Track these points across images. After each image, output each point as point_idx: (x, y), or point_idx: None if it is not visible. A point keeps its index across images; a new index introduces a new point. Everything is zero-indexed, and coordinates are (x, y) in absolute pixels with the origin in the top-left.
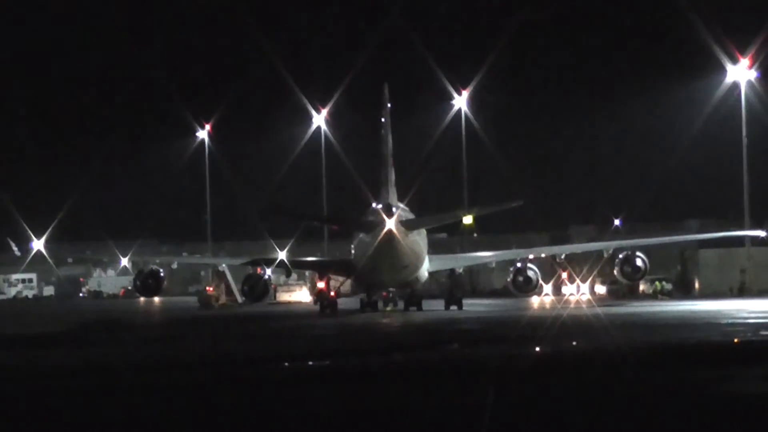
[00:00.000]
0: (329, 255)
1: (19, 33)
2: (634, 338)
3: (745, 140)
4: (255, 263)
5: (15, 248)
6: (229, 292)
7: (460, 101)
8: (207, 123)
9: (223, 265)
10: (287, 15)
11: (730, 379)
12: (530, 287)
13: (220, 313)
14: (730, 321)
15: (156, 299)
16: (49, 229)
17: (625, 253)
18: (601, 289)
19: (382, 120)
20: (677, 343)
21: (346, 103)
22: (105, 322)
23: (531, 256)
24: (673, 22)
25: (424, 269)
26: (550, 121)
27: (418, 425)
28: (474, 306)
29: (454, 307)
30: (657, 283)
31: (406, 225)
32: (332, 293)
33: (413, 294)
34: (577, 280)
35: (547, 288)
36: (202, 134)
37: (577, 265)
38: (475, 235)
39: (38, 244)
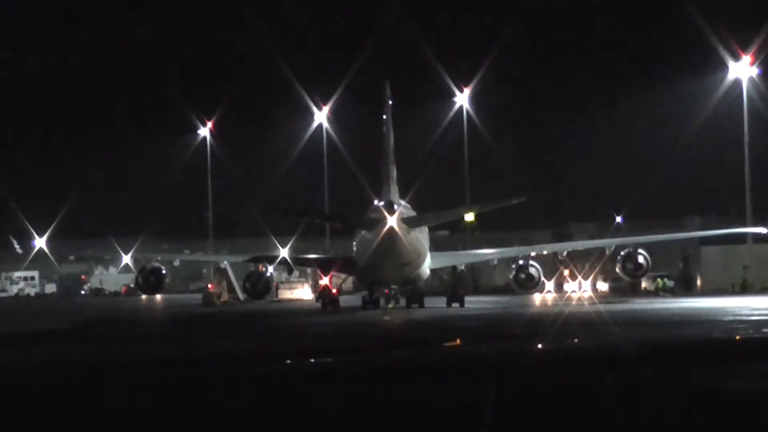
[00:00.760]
0: (331, 252)
1: (19, 28)
2: (636, 335)
3: (747, 137)
4: (257, 260)
5: (17, 246)
6: (231, 289)
7: (462, 98)
8: (209, 120)
9: (225, 263)
10: (289, 12)
11: (732, 376)
12: (532, 284)
13: (222, 310)
14: (732, 318)
15: (158, 297)
16: (51, 227)
17: (626, 250)
18: (603, 286)
19: (384, 117)
20: (679, 341)
21: (348, 100)
22: (106, 320)
23: (533, 254)
24: (675, 19)
25: (426, 266)
26: (552, 118)
27: (420, 423)
28: (476, 303)
29: (456, 305)
30: (659, 280)
31: (408, 222)
32: (334, 290)
33: (415, 291)
34: (579, 277)
35: (549, 285)
36: (204, 131)
37: (579, 262)
38: (477, 232)
39: (40, 242)
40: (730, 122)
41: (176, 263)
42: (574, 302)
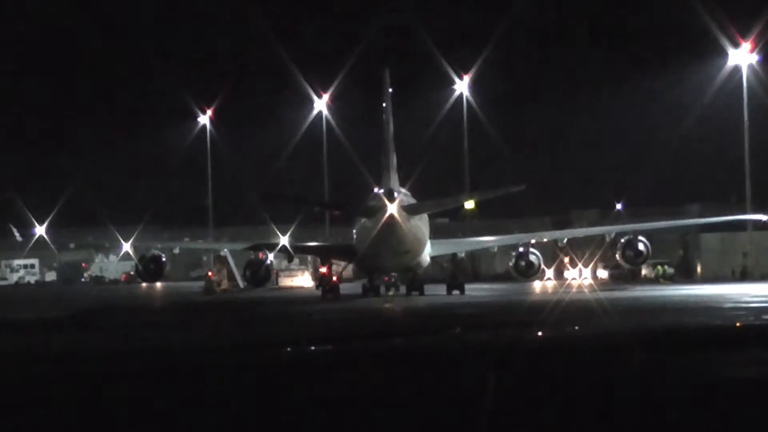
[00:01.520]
0: (331, 240)
1: (17, 18)
2: (636, 323)
3: (746, 124)
4: (257, 248)
5: (17, 234)
6: (231, 277)
7: (462, 86)
8: (208, 108)
9: (225, 250)
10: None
11: (732, 363)
12: (532, 272)
13: (222, 298)
14: (732, 305)
15: (158, 284)
16: (51, 215)
17: (626, 237)
18: (603, 274)
19: (384, 105)
20: (679, 328)
21: (348, 88)
22: (106, 308)
23: (533, 241)
24: (675, 6)
25: (426, 254)
26: (552, 105)
27: (419, 410)
28: (476, 291)
29: (456, 292)
30: (659, 267)
31: (408, 210)
32: (334, 278)
33: (415, 279)
34: (579, 265)
35: (549, 272)
36: (204, 119)
37: (579, 249)
38: (477, 219)
39: (40, 230)
40: (730, 109)
41: (176, 251)
42: (574, 290)
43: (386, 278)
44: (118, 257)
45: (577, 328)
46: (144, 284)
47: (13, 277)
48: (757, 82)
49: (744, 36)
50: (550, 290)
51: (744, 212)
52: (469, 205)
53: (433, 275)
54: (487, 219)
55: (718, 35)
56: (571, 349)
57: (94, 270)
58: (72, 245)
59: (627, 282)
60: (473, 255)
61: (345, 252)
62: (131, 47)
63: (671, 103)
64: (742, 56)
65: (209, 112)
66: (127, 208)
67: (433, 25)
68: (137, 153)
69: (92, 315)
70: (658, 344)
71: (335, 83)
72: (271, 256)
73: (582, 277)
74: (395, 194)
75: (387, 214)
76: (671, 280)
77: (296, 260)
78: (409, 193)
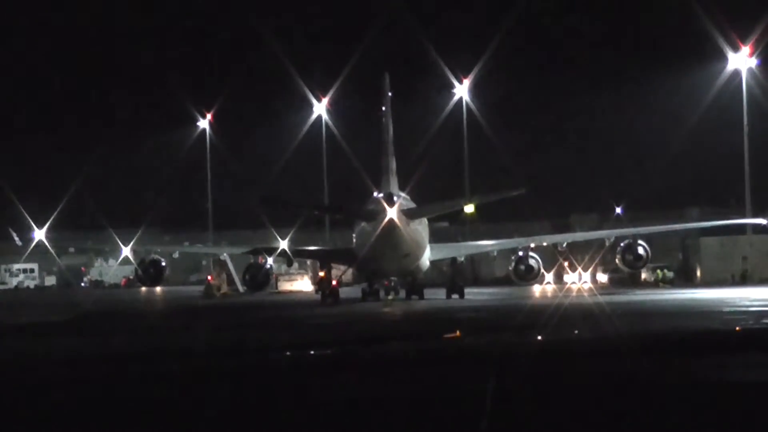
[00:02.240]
0: (331, 244)
1: (18, 20)
2: (636, 327)
3: (746, 128)
4: (256, 252)
5: (16, 238)
6: (230, 281)
7: (462, 89)
8: (208, 112)
9: (225, 254)
10: (288, 2)
11: (732, 367)
12: (532, 276)
13: (222, 302)
14: (731, 309)
15: (158, 288)
16: (51, 219)
17: (626, 241)
18: (602, 278)
19: (383, 109)
20: (678, 332)
21: (347, 92)
22: (105, 312)
23: (532, 245)
24: (674, 9)
25: (426, 258)
26: (551, 109)
27: (419, 414)
28: (476, 295)
29: (455, 296)
30: (658, 271)
31: (408, 214)
32: (334, 282)
33: (415, 283)
34: (579, 269)
35: (549, 276)
36: (203, 123)
37: (579, 253)
38: (477, 223)
39: (40, 234)
40: (729, 113)
41: (176, 255)
42: (573, 294)
43: (386, 282)
44: (118, 261)
45: (576, 332)
46: (143, 288)
47: (13, 282)
48: (757, 86)
49: (743, 40)
50: (549, 294)
51: (743, 216)
52: (469, 209)
53: (432, 279)
54: (486, 223)
55: (718, 39)
56: (570, 353)
57: (93, 274)
58: (71, 249)
59: (627, 286)
60: (473, 259)
61: (344, 256)
62: (131, 49)
63: (670, 107)
64: (741, 60)
65: (209, 116)
66: (126, 212)
67: (433, 28)
68: (137, 157)
69: (91, 319)
70: (658, 348)
71: (335, 87)
72: (270, 261)
73: (582, 281)
74: (395, 198)
75: (386, 218)
76: (671, 284)
77: (296, 264)
78: (408, 197)
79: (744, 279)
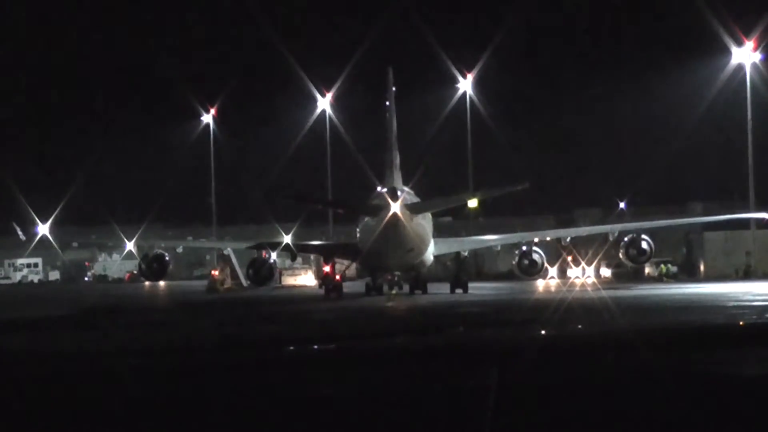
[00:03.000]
0: (335, 239)
1: (21, 16)
2: (640, 321)
3: (750, 123)
4: (260, 247)
5: (20, 232)
6: (234, 276)
7: (466, 84)
8: (212, 107)
9: (228, 249)
10: None
11: (735, 361)
12: (535, 270)
13: (226, 297)
14: (735, 303)
15: (161, 283)
16: (55, 214)
17: (630, 236)
18: (606, 272)
19: (387, 104)
20: (682, 326)
21: (351, 86)
22: (110, 307)
23: (536, 240)
24: (678, 4)
25: (430, 253)
26: (556, 104)
27: (423, 409)
28: (479, 289)
29: (459, 291)
30: (662, 265)
31: (411, 208)
32: (337, 277)
33: (418, 277)
34: (582, 263)
35: (553, 271)
36: (207, 118)
37: (582, 248)
38: (481, 218)
39: (43, 229)
40: (733, 108)
41: (179, 250)
42: (577, 288)
43: (389, 277)
44: (122, 256)
45: (580, 326)
46: (147, 283)
47: (17, 276)
48: (761, 81)
49: (747, 35)
50: (553, 289)
51: (747, 211)
52: (473, 203)
53: (436, 274)
54: (490, 217)
55: (722, 34)
56: (574, 347)
57: (97, 269)
58: (75, 244)
59: (630, 281)
60: (477, 253)
61: (348, 251)
62: (134, 45)
63: (674, 102)
64: (745, 55)
65: (212, 111)
66: (130, 207)
67: (437, 23)
68: (141, 152)
69: (96, 314)
70: (661, 342)
71: (339, 82)
72: (274, 255)
73: (585, 276)
74: (399, 193)
75: (390, 213)
76: (674, 278)
77: (299, 259)
78: (412, 192)
79: (747, 274)
